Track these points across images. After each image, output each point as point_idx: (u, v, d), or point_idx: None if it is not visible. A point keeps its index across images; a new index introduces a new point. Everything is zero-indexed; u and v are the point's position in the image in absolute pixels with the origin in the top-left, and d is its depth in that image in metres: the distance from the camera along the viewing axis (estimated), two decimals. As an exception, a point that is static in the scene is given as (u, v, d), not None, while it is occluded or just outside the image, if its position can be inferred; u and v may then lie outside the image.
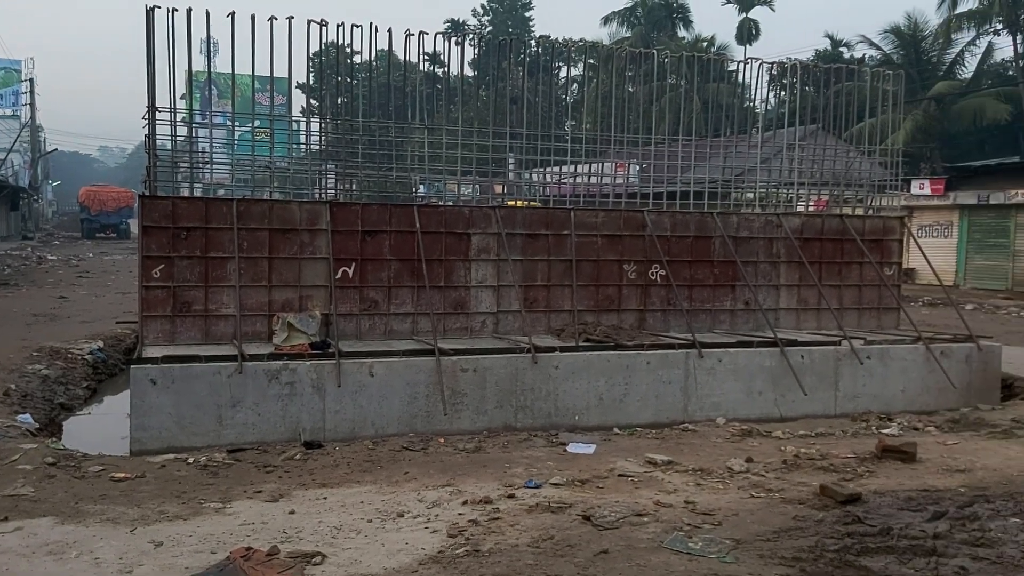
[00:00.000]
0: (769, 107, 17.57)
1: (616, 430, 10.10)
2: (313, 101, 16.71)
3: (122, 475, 7.48)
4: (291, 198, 12.73)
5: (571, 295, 12.50)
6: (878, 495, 7.31)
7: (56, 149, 78.44)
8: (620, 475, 7.78)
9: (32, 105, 65.66)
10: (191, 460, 7.94)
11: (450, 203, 13.59)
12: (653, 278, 12.94)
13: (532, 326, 12.36)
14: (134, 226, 58.33)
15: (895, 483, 7.78)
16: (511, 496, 7.08)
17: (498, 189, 14.93)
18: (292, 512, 6.68)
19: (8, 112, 67.84)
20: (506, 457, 8.46)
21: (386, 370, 10.23)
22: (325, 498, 7.04)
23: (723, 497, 7.20)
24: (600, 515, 6.48)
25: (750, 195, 15.57)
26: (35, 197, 69.45)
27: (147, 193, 11.16)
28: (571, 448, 8.89)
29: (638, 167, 15.61)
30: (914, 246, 20.00)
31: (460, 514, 6.64)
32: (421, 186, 14.21)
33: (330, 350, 10.54)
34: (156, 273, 10.77)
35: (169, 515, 6.59)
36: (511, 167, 14.60)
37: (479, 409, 10.53)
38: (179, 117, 11.48)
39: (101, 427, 10.97)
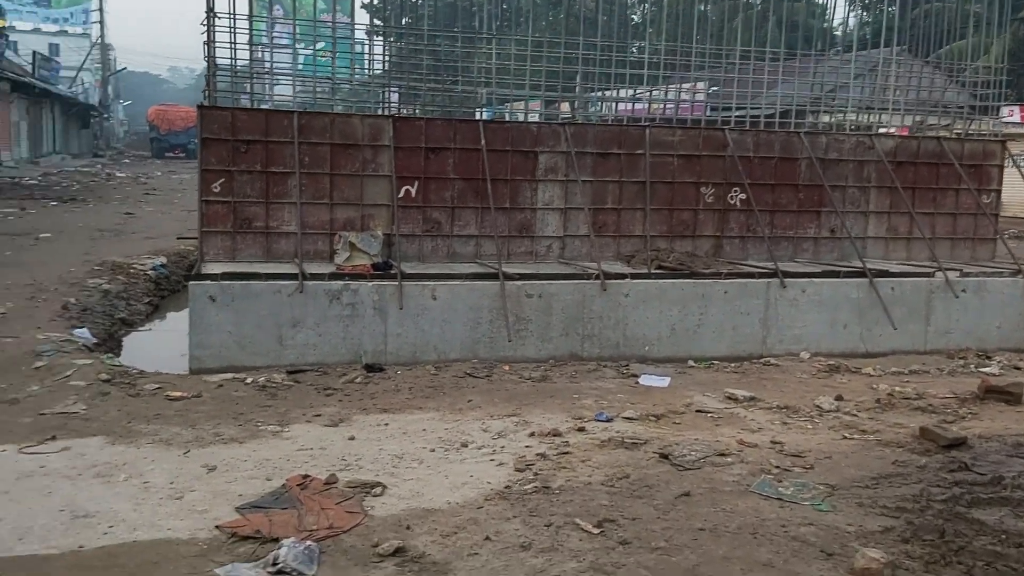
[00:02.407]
0: (848, 28, 16.35)
1: (691, 362, 9.54)
2: (377, 21, 16.03)
3: (178, 394, 7.23)
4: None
5: (643, 219, 11.83)
6: (984, 440, 6.67)
7: (125, 68, 79.05)
8: (698, 411, 7.25)
9: (102, 24, 65.93)
10: (249, 380, 7.65)
11: (517, 120, 12.91)
12: (732, 202, 12.17)
13: (600, 251, 11.77)
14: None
15: (1000, 427, 7.12)
16: (581, 429, 6.62)
17: (566, 108, 14.20)
18: (352, 438, 6.33)
19: (79, 31, 68.28)
20: (574, 388, 8.00)
21: (449, 293, 9.79)
22: (386, 424, 6.68)
23: (813, 438, 6.64)
24: (679, 454, 5.98)
25: (828, 117, 14.54)
26: (105, 116, 70.30)
27: (206, 103, 10.75)
28: (643, 380, 8.38)
29: (713, 87, 14.66)
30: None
31: (527, 447, 6.22)
32: (486, 107, 13.57)
33: (392, 271, 10.13)
34: (216, 187, 10.42)
35: (224, 438, 6.30)
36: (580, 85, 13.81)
37: (544, 336, 10.06)
38: (239, 24, 10.99)
39: (161, 344, 10.82)
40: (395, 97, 13.31)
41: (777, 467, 5.89)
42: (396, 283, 9.65)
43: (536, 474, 5.61)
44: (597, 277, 10.27)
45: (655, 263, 11.25)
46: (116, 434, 6.28)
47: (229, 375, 7.86)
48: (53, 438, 6.14)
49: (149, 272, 13.27)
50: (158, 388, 7.39)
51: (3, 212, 20.15)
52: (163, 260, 13.99)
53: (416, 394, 7.48)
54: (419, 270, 10.21)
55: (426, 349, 9.74)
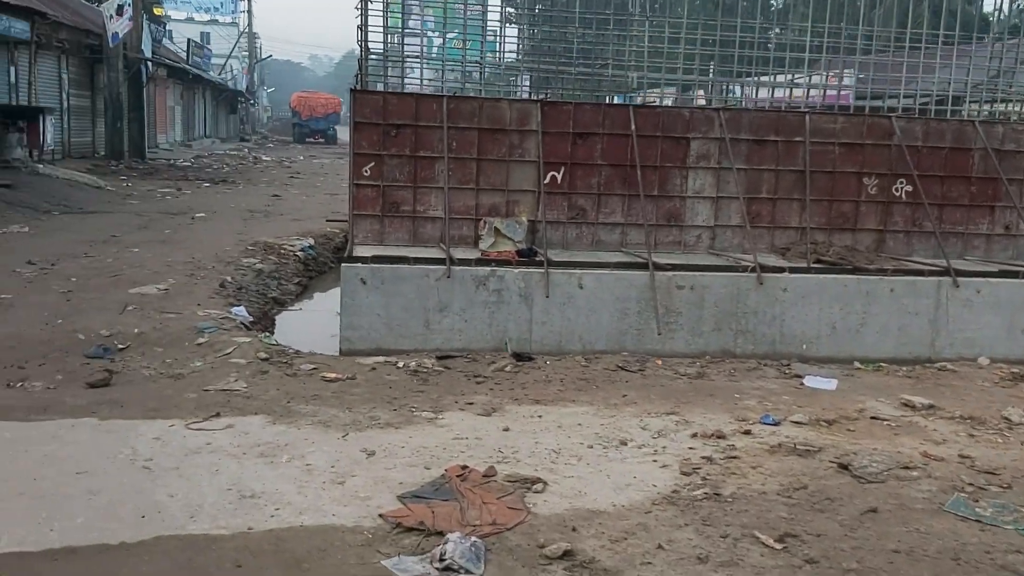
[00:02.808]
0: (1003, 15, 15.06)
1: (856, 364, 8.95)
2: (510, 8, 15.83)
3: (333, 376, 7.26)
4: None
5: (800, 210, 11.22)
6: None
7: (271, 56, 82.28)
8: (872, 417, 6.75)
9: (249, 13, 68.72)
10: (400, 364, 7.62)
11: (668, 104, 12.49)
12: (897, 194, 11.39)
13: (753, 243, 11.23)
14: (340, 132, 60.67)
15: None
16: (747, 432, 6.25)
17: (702, 95, 13.66)
18: (506, 429, 6.18)
19: (228, 20, 71.46)
20: (734, 386, 7.61)
21: (596, 282, 9.54)
22: (540, 416, 6.50)
23: (1005, 453, 6.05)
24: (859, 464, 5.54)
25: (1005, 106, 13.41)
26: (251, 101, 73.38)
27: (358, 87, 10.84)
28: (808, 382, 7.90)
29: (870, 74, 13.77)
30: None
31: (691, 448, 5.90)
32: (632, 91, 13.19)
33: (537, 258, 9.97)
34: (366, 171, 10.51)
35: (380, 422, 6.26)
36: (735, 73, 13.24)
37: (694, 330, 9.67)
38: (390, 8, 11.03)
39: (311, 324, 11.02)
40: (528, 82, 13.13)
41: (970, 485, 5.37)
42: (542, 270, 9.47)
43: (704, 479, 5.29)
44: (752, 270, 9.79)
45: (814, 257, 10.65)
46: (276, 413, 6.34)
47: (380, 358, 7.86)
48: (217, 415, 6.25)
49: (298, 253, 13.58)
50: (314, 369, 7.45)
51: (161, 192, 21.18)
52: (311, 241, 14.31)
53: (568, 386, 7.26)
54: (565, 257, 9.98)
55: (571, 339, 9.53)
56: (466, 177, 10.67)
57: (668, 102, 13.60)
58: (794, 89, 12.72)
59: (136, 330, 8.26)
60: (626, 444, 5.98)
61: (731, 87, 13.98)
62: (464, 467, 5.40)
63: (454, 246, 10.52)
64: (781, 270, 9.93)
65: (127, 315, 8.86)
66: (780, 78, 13.51)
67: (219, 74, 56.43)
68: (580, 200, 10.94)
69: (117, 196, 19.90)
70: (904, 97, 12.59)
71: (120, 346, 7.89)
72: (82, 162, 25.96)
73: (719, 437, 6.08)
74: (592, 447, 5.90)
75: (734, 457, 5.69)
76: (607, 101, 12.56)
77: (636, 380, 7.50)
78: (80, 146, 28.74)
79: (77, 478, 5.07)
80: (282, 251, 13.45)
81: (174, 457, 5.48)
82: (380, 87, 11.46)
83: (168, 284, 10.24)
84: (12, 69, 22.84)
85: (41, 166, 20.32)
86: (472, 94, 12.02)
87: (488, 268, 9.43)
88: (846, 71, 13.58)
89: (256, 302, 10.68)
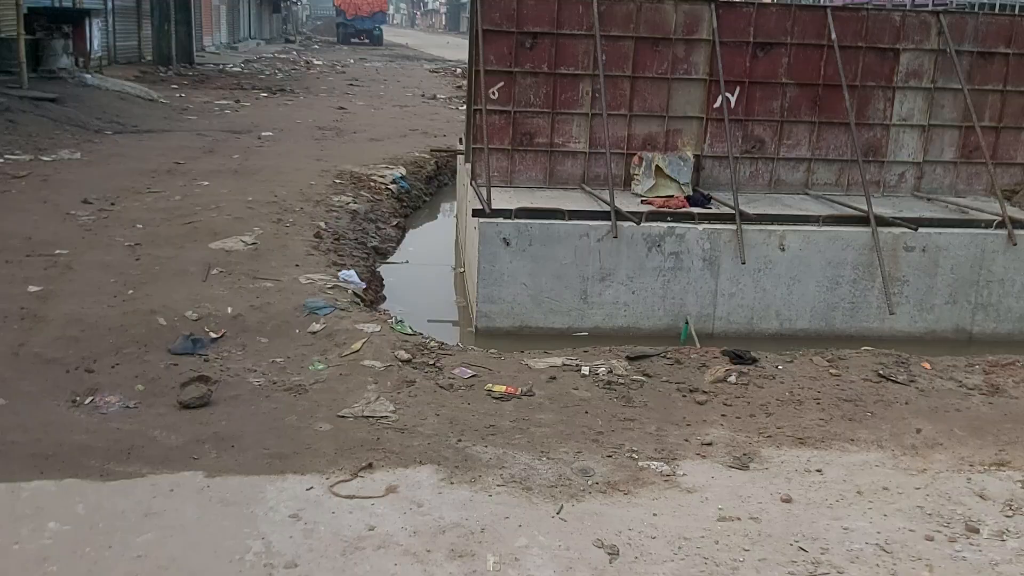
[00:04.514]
0: None
1: None
2: None
3: (503, 389, 5.36)
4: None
5: (1031, 142, 8.96)
6: None
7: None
8: None
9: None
10: (586, 370, 5.68)
11: (874, 6, 10.06)
12: None
13: (968, 183, 9.06)
14: (386, 32, 57.41)
15: None
16: None
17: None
18: (787, 500, 4.26)
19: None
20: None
21: (803, 243, 7.46)
22: (819, 471, 4.56)
23: None
24: None
25: None
26: (293, 1, 70.19)
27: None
28: None
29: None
30: None
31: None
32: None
33: (711, 207, 7.89)
34: (494, 93, 8.40)
35: (598, 480, 4.38)
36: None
37: (922, 304, 7.61)
38: None
39: (425, 285, 9.12)
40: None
41: None
42: (734, 227, 7.40)
43: None
44: (1000, 225, 7.62)
45: (1056, 204, 8.47)
46: (449, 463, 4.48)
47: (556, 361, 5.88)
48: (369, 466, 4.41)
49: (391, 187, 11.59)
50: (473, 376, 5.55)
51: (219, 105, 19.16)
52: (402, 171, 12.28)
53: (830, 410, 5.28)
54: (757, 209, 7.87)
55: (765, 315, 7.54)
56: (617, 100, 8.54)
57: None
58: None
59: (230, 309, 6.40)
60: (977, 531, 4.04)
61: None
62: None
63: (599, 188, 8.47)
64: (1028, 225, 7.74)
65: (213, 283, 7.01)
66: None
67: (262, -30, 53.44)
68: (758, 129, 8.77)
69: (172, 111, 17.90)
70: None
71: (213, 335, 6.06)
72: (128, 68, 23.93)
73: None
74: (931, 538, 3.98)
75: None
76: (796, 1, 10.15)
77: (914, 398, 5.48)
78: (125, 51, 26.66)
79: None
80: (372, 184, 11.46)
81: (329, 559, 3.66)
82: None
83: (255, 235, 8.34)
84: (51, -34, 20.67)
85: (89, 76, 18.33)
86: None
87: (664, 224, 7.38)
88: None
89: (358, 255, 8.76)
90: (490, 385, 5.42)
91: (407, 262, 9.64)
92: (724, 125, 8.60)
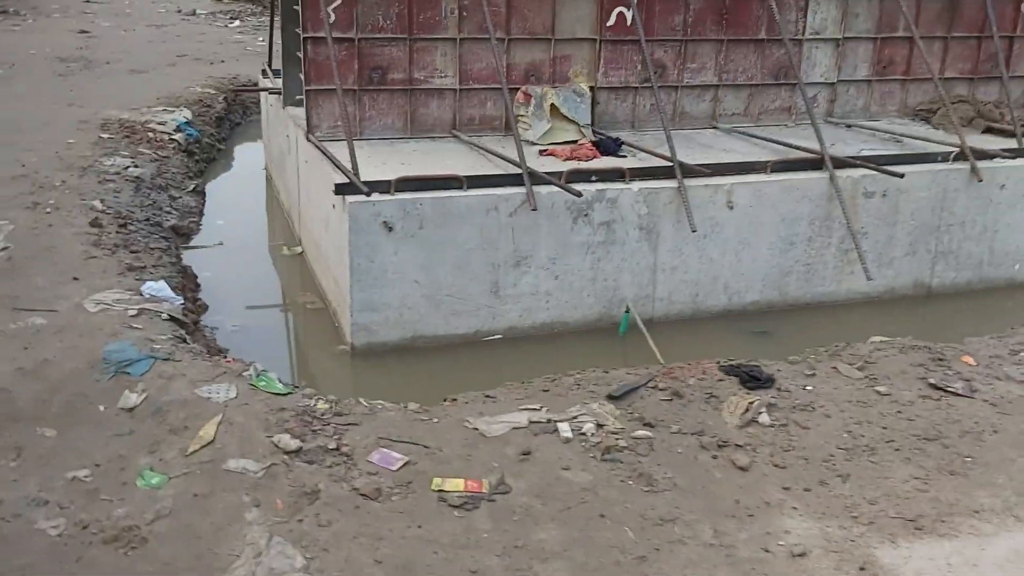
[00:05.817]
0: None
1: None
2: None
3: (462, 487, 3.49)
4: None
5: (942, 54, 7.99)
6: None
7: None
8: None
9: None
10: (567, 430, 3.88)
11: None
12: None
13: (881, 104, 8.00)
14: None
15: None
16: None
17: None
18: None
19: None
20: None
21: (753, 197, 5.99)
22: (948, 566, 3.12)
23: None
24: None
25: None
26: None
27: None
28: None
29: None
30: None
31: None
32: None
33: (627, 155, 6.23)
34: (330, 13, 6.15)
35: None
36: None
37: (881, 258, 6.43)
38: None
39: (256, 279, 6.87)
40: None
41: None
42: (673, 184, 5.77)
43: None
44: (959, 157, 6.51)
45: (982, 124, 7.54)
46: None
47: (519, 420, 4.03)
48: None
49: (176, 137, 8.96)
50: (406, 465, 3.62)
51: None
52: (187, 115, 9.60)
53: (917, 460, 3.78)
54: (647, 144, 6.30)
55: (712, 289, 6.08)
56: (492, 20, 6.54)
57: None
58: None
59: (-19, 382, 4.02)
60: None
61: None
62: None
63: (474, 134, 6.59)
64: (986, 155, 6.68)
65: (-57, 329, 4.51)
66: None
67: None
68: (658, 51, 7.14)
69: None
70: None
71: (-43, 437, 3.70)
72: None
73: None
74: None
75: None
76: None
77: (995, 419, 4.12)
78: None
79: None
80: (151, 135, 8.80)
81: None
82: None
83: (3, 234, 5.74)
84: None
85: None
86: None
87: (592, 186, 5.62)
88: None
89: (158, 245, 6.33)
90: (438, 481, 3.53)
91: (221, 243, 7.27)
92: (621, 48, 6.92)
